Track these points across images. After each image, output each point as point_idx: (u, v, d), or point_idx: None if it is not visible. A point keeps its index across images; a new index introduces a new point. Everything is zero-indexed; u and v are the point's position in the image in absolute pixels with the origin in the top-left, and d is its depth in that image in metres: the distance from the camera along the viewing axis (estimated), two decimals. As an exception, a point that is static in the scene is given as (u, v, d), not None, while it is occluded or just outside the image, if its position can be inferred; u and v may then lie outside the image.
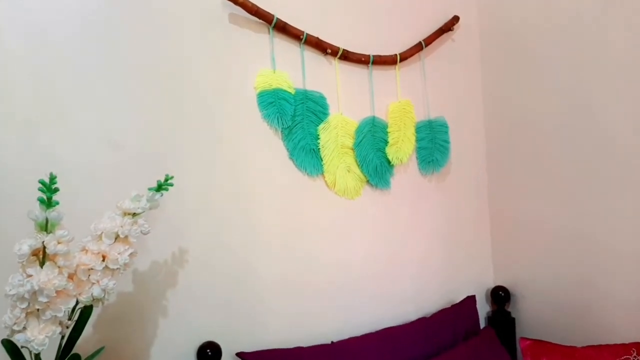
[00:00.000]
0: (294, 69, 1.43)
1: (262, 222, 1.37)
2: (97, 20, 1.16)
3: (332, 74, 1.50)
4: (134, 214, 1.00)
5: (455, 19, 1.70)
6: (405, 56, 1.60)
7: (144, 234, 1.02)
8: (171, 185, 1.04)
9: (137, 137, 1.20)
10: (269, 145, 1.38)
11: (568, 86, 1.55)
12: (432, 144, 1.65)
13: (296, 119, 1.41)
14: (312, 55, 1.46)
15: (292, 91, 1.39)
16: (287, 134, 1.40)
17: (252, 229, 1.35)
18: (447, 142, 1.68)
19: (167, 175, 1.04)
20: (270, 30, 1.38)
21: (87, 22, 1.15)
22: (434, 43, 1.67)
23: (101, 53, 1.16)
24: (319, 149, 1.44)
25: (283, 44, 1.41)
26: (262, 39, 1.38)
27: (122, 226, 0.97)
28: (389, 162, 1.56)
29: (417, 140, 1.63)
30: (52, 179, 0.89)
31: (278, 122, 1.37)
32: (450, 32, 1.70)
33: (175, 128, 1.25)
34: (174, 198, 1.17)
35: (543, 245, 1.66)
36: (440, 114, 1.69)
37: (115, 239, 0.97)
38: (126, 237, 0.98)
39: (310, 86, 1.45)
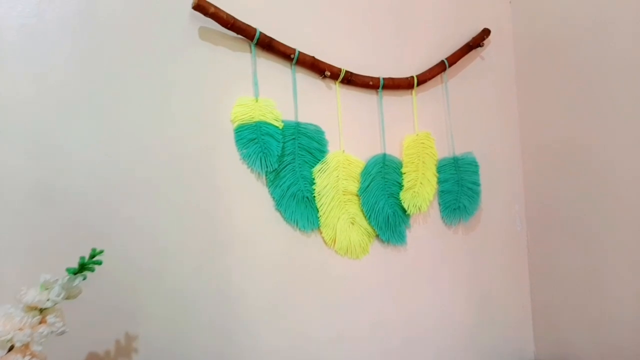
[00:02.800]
0: (282, 97, 1.16)
1: (243, 289, 1.08)
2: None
3: (331, 101, 1.22)
4: (42, 309, 0.73)
5: (486, 32, 1.42)
6: (424, 78, 1.32)
7: (58, 334, 0.74)
8: (99, 263, 0.77)
9: (74, 185, 0.93)
10: (250, 192, 1.11)
11: (629, 115, 1.25)
12: (458, 186, 1.36)
13: (285, 159, 1.14)
14: (306, 79, 1.19)
15: (280, 124, 1.12)
16: (273, 178, 1.12)
17: (231, 298, 1.06)
18: (476, 184, 1.38)
19: (93, 250, 0.77)
20: (252, 47, 1.12)
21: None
22: (459, 62, 1.39)
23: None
24: (314, 197, 1.16)
25: (269, 65, 1.14)
26: (241, 59, 1.12)
27: (20, 329, 0.70)
28: (404, 210, 1.27)
29: (440, 182, 1.34)
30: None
31: (261, 165, 1.09)
32: (479, 48, 1.42)
33: (131, 168, 0.98)
34: (121, 263, 0.89)
35: (597, 312, 1.35)
36: (467, 149, 1.40)
37: (10, 349, 0.70)
38: (27, 345, 0.71)
39: (304, 117, 1.17)
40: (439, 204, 1.35)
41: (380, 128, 1.28)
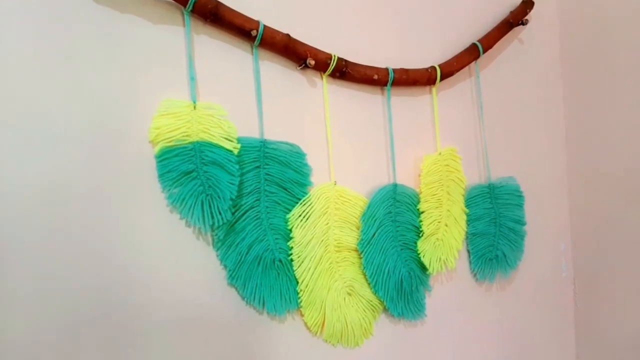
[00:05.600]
0: (238, 100, 0.73)
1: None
2: None
3: (316, 106, 0.81)
4: None
5: (529, 5, 1.03)
6: (449, 70, 0.91)
7: None
8: None
9: None
10: (184, 261, 0.68)
11: None
12: (496, 227, 0.97)
13: (244, 202, 0.71)
14: (276, 71, 0.76)
15: (235, 146, 0.69)
16: (225, 235, 0.70)
17: None
18: (520, 222, 0.99)
19: None
20: (186, 16, 0.68)
21: None
22: (495, 46, 0.99)
23: None
24: (290, 259, 0.75)
25: (216, 47, 0.71)
26: (168, 36, 0.68)
27: None
28: (423, 268, 0.87)
29: (470, 220, 0.94)
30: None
31: (204, 215, 0.66)
32: (520, 26, 1.02)
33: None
34: None
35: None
36: (505, 172, 1.01)
37: None
38: None
39: (274, 132, 0.75)
40: (468, 252, 0.96)
41: (389, 144, 0.87)
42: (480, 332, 0.98)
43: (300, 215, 0.75)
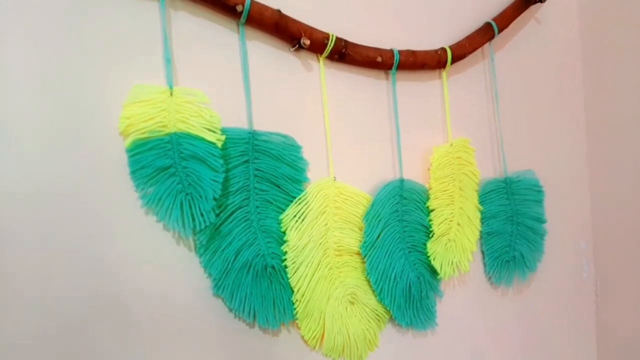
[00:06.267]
0: (222, 85, 0.64)
1: None
2: None
3: (313, 92, 0.72)
4: None
5: (547, -20, 0.94)
6: (461, 52, 0.82)
7: None
8: None
9: None
10: (162, 270, 0.60)
11: None
12: (513, 225, 0.88)
13: (231, 201, 0.63)
14: (266, 52, 0.68)
15: (219, 137, 0.61)
16: (209, 240, 0.62)
17: None
18: (540, 220, 0.91)
19: None
20: (161, -11, 0.60)
21: None
22: (511, 26, 0.90)
23: None
24: (284, 266, 0.66)
25: (195, 24, 0.62)
26: (141, 12, 0.59)
27: None
28: (434, 272, 0.79)
29: (484, 218, 0.86)
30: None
31: (184, 217, 0.58)
32: (537, 4, 0.93)
33: None
34: None
35: None
36: (525, 164, 0.92)
37: None
38: None
39: (264, 122, 0.66)
40: (483, 253, 0.87)
41: (394, 135, 0.78)
42: (497, 341, 0.89)
43: (295, 216, 0.67)
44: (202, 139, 0.59)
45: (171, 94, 0.59)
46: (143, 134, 0.58)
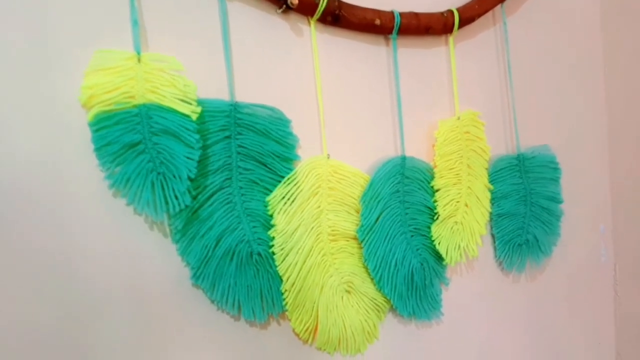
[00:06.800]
0: (199, 51, 0.57)
1: None
2: None
3: (303, 59, 0.65)
4: None
5: None
6: (470, 14, 0.74)
7: None
8: None
9: None
10: (139, 253, 0.54)
11: None
12: (526, 205, 0.81)
13: (210, 181, 0.57)
14: (250, 14, 0.60)
15: (195, 109, 0.54)
16: (185, 224, 0.55)
17: None
18: (556, 199, 0.83)
19: None
20: (124, -60, 0.53)
21: None
22: (525, -14, 0.82)
23: None
24: (271, 252, 0.60)
25: (166, -19, 0.56)
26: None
27: None
28: (439, 257, 0.72)
29: (494, 199, 0.79)
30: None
31: (156, 200, 0.52)
32: (555, -38, 0.85)
33: None
34: None
35: None
36: (539, 139, 0.85)
37: None
38: None
39: (248, 93, 0.60)
40: (493, 237, 0.80)
41: (395, 107, 0.71)
42: (507, 331, 0.83)
43: (284, 197, 0.60)
44: (175, 111, 0.53)
45: (139, 61, 0.52)
46: (108, 106, 0.51)
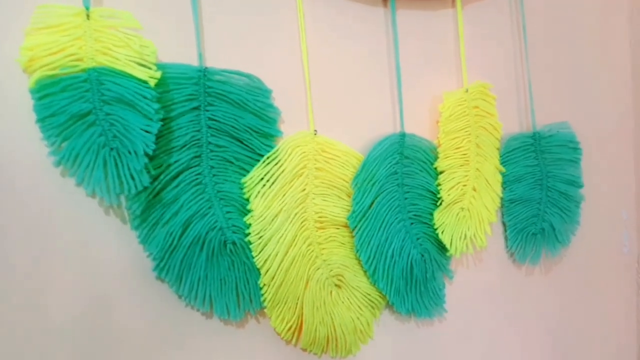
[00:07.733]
0: (161, 6, 0.50)
1: None
2: None
3: (287, 21, 0.57)
4: None
5: None
6: (480, -28, 0.66)
7: None
8: None
9: None
10: (93, 242, 0.47)
11: None
12: (542, 190, 0.73)
13: (175, 159, 0.50)
14: (223, -35, 0.53)
15: (152, 74, 0.46)
16: (144, 209, 0.49)
17: None
18: (576, 183, 0.75)
19: None
20: None
21: None
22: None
23: None
24: (247, 241, 0.53)
25: None
26: None
27: None
28: (442, 247, 0.65)
29: (507, 182, 0.71)
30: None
31: (106, 181, 0.45)
32: None
33: None
34: None
35: None
36: (557, 116, 0.76)
37: None
38: None
39: (220, 58, 0.52)
40: (504, 224, 0.73)
41: (394, 78, 0.63)
42: (519, 330, 0.75)
43: (262, 179, 0.53)
44: (131, 77, 0.45)
45: (88, 17, 0.45)
46: (52, 70, 0.44)
